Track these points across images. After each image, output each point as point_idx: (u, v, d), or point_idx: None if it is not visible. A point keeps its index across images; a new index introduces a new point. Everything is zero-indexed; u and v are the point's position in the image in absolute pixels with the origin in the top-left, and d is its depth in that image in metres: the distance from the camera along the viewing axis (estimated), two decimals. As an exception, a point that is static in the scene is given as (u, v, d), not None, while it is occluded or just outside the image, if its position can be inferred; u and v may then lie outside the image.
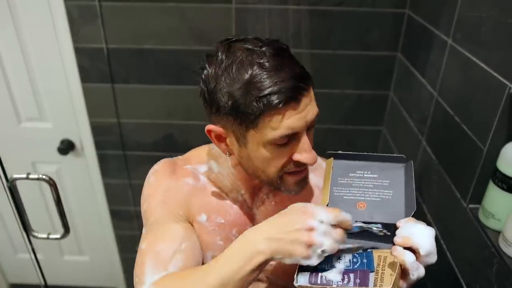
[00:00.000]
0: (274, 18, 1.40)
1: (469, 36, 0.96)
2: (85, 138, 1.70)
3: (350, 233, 0.69)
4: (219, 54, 0.68)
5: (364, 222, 0.67)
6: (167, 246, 0.72)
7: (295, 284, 0.64)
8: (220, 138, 0.75)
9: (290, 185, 0.76)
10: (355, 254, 0.66)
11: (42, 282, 1.09)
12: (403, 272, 0.60)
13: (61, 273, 2.16)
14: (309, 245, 0.59)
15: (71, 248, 2.08)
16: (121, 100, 1.60)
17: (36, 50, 1.54)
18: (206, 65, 0.70)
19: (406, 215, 0.66)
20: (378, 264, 0.63)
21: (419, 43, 1.28)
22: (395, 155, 0.73)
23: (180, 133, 1.66)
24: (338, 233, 0.61)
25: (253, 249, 0.60)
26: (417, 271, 0.59)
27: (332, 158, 0.76)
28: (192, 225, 0.82)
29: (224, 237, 0.84)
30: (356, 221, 0.66)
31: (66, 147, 1.72)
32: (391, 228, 0.65)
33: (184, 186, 0.82)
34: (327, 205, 0.71)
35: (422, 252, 0.59)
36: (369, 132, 1.64)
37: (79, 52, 1.50)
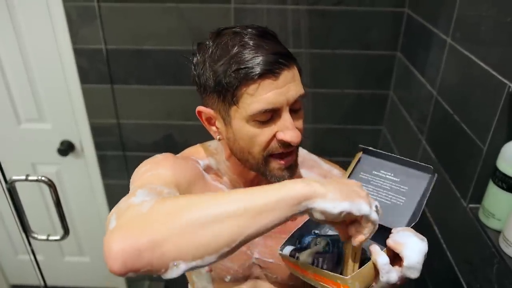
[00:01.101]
0: (273, 18, 1.40)
1: (469, 35, 0.96)
2: (85, 139, 1.70)
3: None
4: (209, 41, 0.72)
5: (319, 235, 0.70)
6: (163, 188, 0.63)
7: (278, 251, 0.70)
8: (210, 121, 0.76)
9: (275, 170, 0.73)
10: (329, 242, 0.69)
11: (42, 283, 1.08)
12: (377, 272, 0.61)
13: (61, 274, 2.16)
14: (369, 198, 0.57)
15: (72, 249, 2.08)
16: (121, 101, 1.60)
17: (35, 51, 1.54)
18: (196, 52, 0.73)
19: (408, 225, 0.67)
20: (351, 257, 0.64)
21: (418, 42, 1.28)
22: (423, 164, 0.72)
23: (180, 133, 1.66)
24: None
25: (308, 189, 0.53)
26: (387, 275, 0.60)
27: (361, 152, 0.77)
28: None
29: None
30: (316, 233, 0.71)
31: (66, 148, 1.71)
32: (387, 232, 0.65)
33: (193, 169, 0.78)
34: None
35: (405, 263, 0.60)
36: (369, 132, 1.63)
37: (78, 53, 1.50)
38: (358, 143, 1.64)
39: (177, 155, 0.87)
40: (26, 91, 1.62)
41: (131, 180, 0.71)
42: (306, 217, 0.74)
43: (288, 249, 0.70)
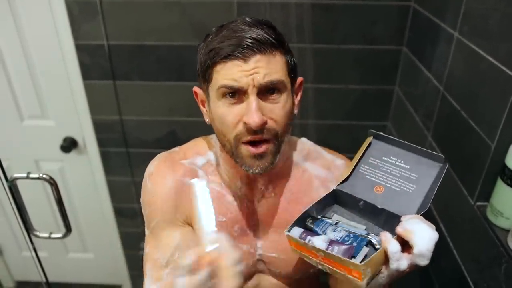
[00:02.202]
0: (276, 12, 1.38)
1: (476, 29, 0.94)
2: (87, 136, 1.69)
3: (358, 211, 0.72)
4: (212, 30, 0.75)
5: (350, 232, 0.68)
6: (162, 255, 0.79)
7: (285, 232, 0.69)
8: (203, 103, 0.81)
9: (245, 158, 0.73)
10: (350, 235, 0.67)
11: (44, 280, 1.08)
12: (387, 259, 0.61)
13: (65, 271, 2.17)
14: None
15: (76, 245, 2.08)
16: (123, 97, 1.59)
17: (37, 47, 1.53)
18: (201, 42, 0.76)
19: (417, 213, 0.66)
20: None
21: (424, 36, 1.25)
22: (434, 152, 0.71)
23: (183, 129, 1.65)
24: None
25: None
26: (397, 262, 0.60)
27: (371, 137, 0.76)
28: (192, 226, 0.82)
29: (226, 234, 0.83)
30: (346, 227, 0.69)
31: (69, 144, 1.71)
32: (397, 220, 0.65)
33: (182, 187, 0.82)
34: (346, 178, 0.74)
35: (415, 250, 0.59)
36: (374, 128, 1.57)
37: (80, 49, 1.49)
38: (363, 139, 1.63)
39: (177, 152, 0.87)
40: (29, 88, 1.62)
41: (145, 219, 0.85)
42: (313, 200, 0.74)
43: (297, 231, 0.69)
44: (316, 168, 0.89)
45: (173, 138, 1.66)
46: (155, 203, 0.82)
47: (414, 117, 1.31)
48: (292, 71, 0.75)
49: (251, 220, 0.85)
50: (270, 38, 0.69)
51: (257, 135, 0.70)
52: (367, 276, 0.59)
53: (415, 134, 1.30)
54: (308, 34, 1.41)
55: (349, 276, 0.60)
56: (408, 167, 0.72)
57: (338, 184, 0.74)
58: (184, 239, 0.80)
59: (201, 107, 0.82)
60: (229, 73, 0.68)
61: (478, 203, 0.91)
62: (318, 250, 0.63)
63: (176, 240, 0.79)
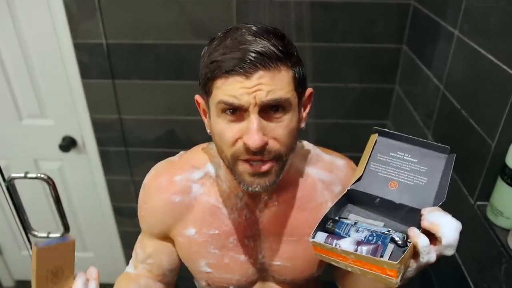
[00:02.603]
0: (275, 10, 1.37)
1: (477, 27, 0.93)
2: (86, 135, 1.69)
3: (374, 208, 0.72)
4: (218, 35, 0.70)
5: (377, 232, 0.67)
6: (140, 253, 0.90)
7: (310, 239, 0.66)
8: (204, 113, 0.77)
9: (243, 175, 0.70)
10: (373, 234, 0.67)
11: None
12: (415, 253, 0.61)
13: (65, 270, 2.16)
14: None
15: (76, 244, 2.07)
16: (122, 96, 1.58)
17: (35, 46, 1.53)
18: (206, 47, 0.72)
19: (434, 204, 0.66)
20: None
21: (425, 35, 1.25)
22: (439, 144, 0.72)
23: (182, 129, 1.64)
24: None
25: None
26: (428, 255, 0.60)
27: (376, 134, 0.77)
28: (173, 239, 0.87)
29: (219, 246, 0.83)
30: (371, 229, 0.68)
31: (68, 144, 1.70)
32: (416, 213, 0.65)
33: (167, 206, 0.83)
34: (360, 178, 0.73)
35: (444, 242, 0.59)
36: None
37: (79, 48, 1.48)
38: (362, 138, 1.62)
39: (176, 161, 0.86)
40: (27, 87, 1.61)
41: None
42: (318, 204, 0.73)
43: (321, 236, 0.68)
44: (318, 172, 0.86)
45: (172, 137, 1.66)
46: (140, 213, 0.89)
47: (414, 116, 1.31)
48: (300, 85, 0.69)
49: (250, 230, 0.83)
50: (276, 51, 0.64)
51: (257, 156, 0.66)
52: (401, 273, 0.59)
53: (415, 133, 1.29)
54: (307, 33, 1.41)
55: (383, 275, 0.60)
56: (416, 160, 0.72)
57: (352, 184, 0.74)
58: (156, 251, 0.88)
59: (203, 117, 0.78)
60: (230, 89, 0.64)
61: (478, 203, 0.90)
62: (348, 253, 0.62)
63: (150, 249, 0.88)
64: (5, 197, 0.95)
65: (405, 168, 0.72)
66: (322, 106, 1.54)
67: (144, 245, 0.89)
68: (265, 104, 0.64)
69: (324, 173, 0.86)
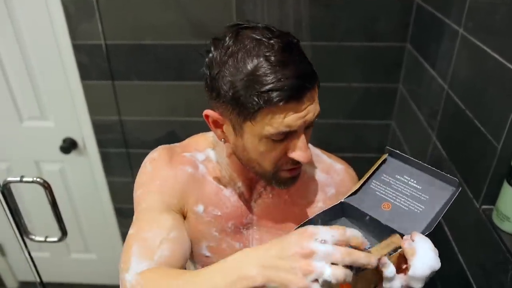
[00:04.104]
0: (273, 8, 1.34)
1: (482, 25, 0.90)
2: (87, 136, 1.68)
3: (365, 226, 0.70)
4: (227, 39, 0.66)
5: None
6: (155, 234, 0.70)
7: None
8: (217, 124, 0.74)
9: (284, 180, 0.75)
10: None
11: (38, 280, 1.06)
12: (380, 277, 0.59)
13: (68, 271, 2.16)
14: (306, 273, 0.49)
15: (78, 246, 2.08)
16: (122, 97, 1.57)
17: (34, 47, 1.52)
18: (212, 49, 0.68)
19: (422, 233, 0.63)
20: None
21: (429, 33, 1.22)
22: (449, 176, 0.69)
23: (183, 130, 1.62)
24: (347, 253, 0.51)
25: (240, 273, 0.53)
26: (390, 284, 0.57)
27: (387, 154, 0.75)
28: (185, 215, 0.80)
29: (219, 229, 0.82)
30: None
31: (68, 145, 1.70)
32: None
33: (182, 175, 0.79)
34: (354, 192, 0.71)
35: (410, 272, 0.57)
36: (378, 127, 1.58)
37: (78, 49, 1.47)
38: (366, 139, 1.61)
39: (177, 146, 0.85)
40: (27, 89, 1.61)
41: (134, 199, 0.78)
42: (309, 203, 0.72)
43: None
44: (315, 172, 0.88)
45: (173, 138, 1.64)
46: (153, 184, 0.77)
47: (418, 116, 1.28)
48: None
49: (245, 219, 0.84)
50: (312, 69, 0.66)
51: (298, 164, 0.72)
52: None
53: (419, 134, 1.27)
54: (307, 31, 1.38)
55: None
56: (420, 187, 0.70)
57: (346, 197, 0.72)
58: (178, 223, 0.75)
59: (213, 127, 0.75)
60: (283, 119, 0.64)
61: (484, 207, 0.87)
62: None
63: (170, 221, 0.74)
64: (1, 201, 0.94)
65: (405, 192, 0.70)
66: (324, 106, 1.49)
67: (157, 225, 0.72)
68: (311, 123, 0.68)
69: (321, 174, 0.88)
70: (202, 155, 0.83)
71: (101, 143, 1.69)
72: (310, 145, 0.90)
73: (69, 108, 1.62)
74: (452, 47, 1.04)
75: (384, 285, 0.58)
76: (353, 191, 0.72)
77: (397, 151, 0.74)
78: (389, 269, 0.56)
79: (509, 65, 0.78)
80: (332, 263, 0.50)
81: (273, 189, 0.84)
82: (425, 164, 0.71)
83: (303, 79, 0.63)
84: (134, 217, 0.76)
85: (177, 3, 1.36)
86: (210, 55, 0.68)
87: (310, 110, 0.66)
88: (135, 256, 0.66)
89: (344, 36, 1.39)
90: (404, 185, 0.71)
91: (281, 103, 0.62)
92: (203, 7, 1.36)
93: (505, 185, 0.78)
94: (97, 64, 1.49)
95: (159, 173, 0.78)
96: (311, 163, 0.88)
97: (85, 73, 1.52)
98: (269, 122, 0.64)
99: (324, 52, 1.42)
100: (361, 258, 0.52)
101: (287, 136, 0.67)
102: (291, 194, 0.85)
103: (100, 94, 1.56)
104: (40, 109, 1.66)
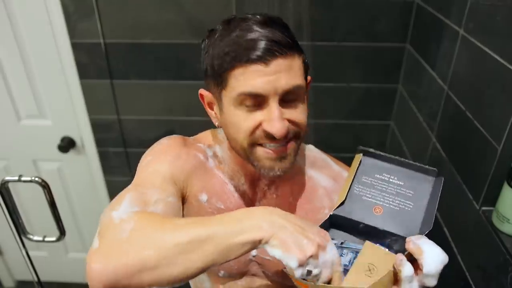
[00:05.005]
0: (274, 8, 1.34)
1: (483, 26, 0.90)
2: (85, 135, 1.67)
3: (357, 234, 0.69)
4: (218, 27, 0.70)
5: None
6: (153, 192, 0.66)
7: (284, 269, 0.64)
8: (210, 106, 0.76)
9: (263, 160, 0.70)
10: (357, 255, 0.64)
11: (36, 279, 1.06)
12: (397, 281, 0.59)
13: (66, 270, 2.16)
14: (310, 256, 0.54)
15: (76, 245, 2.07)
16: (121, 96, 1.56)
17: (33, 46, 1.51)
18: (206, 38, 0.72)
19: (421, 232, 0.63)
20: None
21: (429, 33, 1.21)
22: (427, 166, 0.69)
23: (182, 129, 1.62)
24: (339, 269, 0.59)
25: (252, 222, 0.55)
26: (409, 285, 0.57)
27: (361, 154, 0.74)
28: (186, 198, 0.77)
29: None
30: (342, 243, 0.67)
31: (67, 144, 1.69)
32: (400, 241, 0.63)
33: (194, 158, 0.78)
34: (343, 202, 0.70)
35: (424, 270, 0.56)
36: (377, 127, 1.58)
37: (76, 48, 1.46)
38: (365, 139, 1.60)
39: (189, 138, 0.85)
40: (25, 88, 1.60)
41: (137, 168, 0.75)
42: (315, 209, 0.73)
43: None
44: (322, 177, 0.86)
45: (171, 138, 1.64)
46: (165, 156, 0.74)
47: (418, 117, 1.28)
48: (306, 71, 0.72)
49: None
50: (289, 41, 0.66)
51: (275, 140, 0.68)
52: None
53: (418, 135, 1.27)
54: (307, 31, 1.38)
55: None
56: (402, 183, 0.69)
57: (335, 209, 0.70)
58: (177, 195, 0.71)
59: (208, 109, 0.77)
60: (250, 79, 0.64)
61: (484, 208, 0.87)
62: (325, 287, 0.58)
63: (171, 189, 0.70)
64: (-1, 200, 0.94)
65: (390, 191, 0.69)
66: (323, 107, 1.51)
67: (157, 187, 0.68)
68: (284, 92, 0.66)
69: (328, 180, 0.86)
70: (210, 151, 0.83)
71: (100, 142, 1.68)
72: (318, 150, 0.90)
73: (67, 106, 1.62)
74: (452, 48, 1.04)
75: (403, 287, 0.57)
76: (340, 202, 0.70)
77: (370, 149, 0.73)
78: (407, 267, 0.57)
79: (509, 66, 0.77)
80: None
81: (277, 189, 0.83)
82: (400, 159, 0.70)
83: (274, 43, 0.64)
84: (135, 177, 0.72)
85: (176, 2, 1.36)
86: (203, 43, 0.72)
87: (282, 77, 0.65)
88: (127, 201, 0.62)
89: (344, 36, 1.39)
90: (386, 184, 0.70)
91: (244, 61, 0.64)
92: (203, 6, 1.36)
93: (505, 186, 0.78)
94: (96, 62, 1.48)
95: (173, 150, 0.76)
96: (318, 169, 0.86)
97: (83, 71, 1.51)
98: (238, 84, 0.65)
99: (324, 52, 1.41)
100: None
101: (260, 105, 0.67)
102: (295, 196, 0.84)
103: (98, 93, 1.55)
104: (38, 107, 1.65)
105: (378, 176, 0.71)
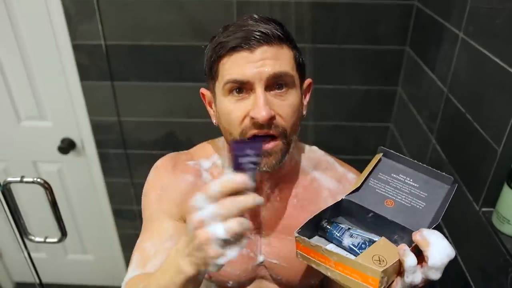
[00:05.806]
0: (276, 11, 1.35)
1: (482, 29, 0.91)
2: (85, 137, 1.67)
3: (365, 224, 0.70)
4: (219, 30, 0.73)
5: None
6: (152, 244, 0.75)
7: (295, 233, 0.66)
8: (210, 104, 0.79)
9: None
10: (366, 242, 0.66)
11: (38, 281, 1.06)
12: (400, 271, 0.60)
13: (65, 272, 2.15)
14: (208, 242, 0.50)
15: (75, 247, 2.06)
16: (121, 98, 1.56)
17: (34, 48, 1.51)
18: (208, 43, 0.75)
19: (428, 227, 0.64)
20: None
21: (428, 36, 1.22)
22: (444, 174, 0.70)
23: (182, 131, 1.62)
24: (231, 204, 0.50)
25: (176, 269, 0.57)
26: (412, 275, 0.59)
27: (381, 154, 0.76)
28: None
29: None
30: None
31: (67, 146, 1.69)
32: (407, 233, 0.64)
33: (182, 183, 0.82)
34: (356, 189, 0.72)
35: (429, 263, 0.57)
36: (377, 129, 1.58)
37: (77, 49, 1.46)
38: (365, 141, 1.61)
39: (183, 154, 0.86)
40: (26, 89, 1.60)
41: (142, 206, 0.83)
42: (324, 206, 0.72)
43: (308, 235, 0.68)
44: (326, 179, 0.86)
45: (172, 140, 1.64)
46: (154, 192, 0.81)
47: (418, 119, 1.28)
48: (299, 67, 0.73)
49: (254, 223, 0.83)
50: (278, 32, 0.68)
51: (264, 129, 0.68)
52: (383, 285, 0.57)
53: (418, 137, 1.27)
54: (308, 34, 1.39)
55: (363, 283, 0.57)
56: (417, 185, 0.71)
57: (347, 194, 0.72)
58: (177, 232, 0.77)
59: (208, 108, 0.80)
60: (235, 65, 0.67)
61: (484, 209, 0.88)
62: (332, 253, 0.60)
63: (170, 231, 0.77)
64: (1, 202, 0.94)
65: (404, 190, 0.71)
66: (324, 109, 1.52)
67: (156, 234, 0.77)
68: (270, 77, 0.67)
69: (333, 182, 0.87)
70: (208, 162, 0.84)
71: (100, 144, 1.68)
72: (322, 152, 0.90)
73: (67, 108, 1.62)
74: (452, 51, 1.04)
75: (406, 279, 0.59)
76: (353, 188, 0.72)
77: (391, 151, 0.75)
78: (410, 257, 0.57)
79: (509, 69, 0.78)
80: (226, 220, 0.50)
81: (281, 191, 0.83)
82: (419, 163, 0.72)
83: (262, 33, 0.66)
84: (142, 226, 0.82)
85: (177, 4, 1.36)
86: (206, 48, 0.75)
87: (268, 64, 0.66)
88: (133, 265, 0.74)
89: (344, 38, 1.40)
90: (402, 183, 0.72)
91: (229, 49, 0.67)
92: (203, 8, 1.36)
93: (505, 187, 0.79)
94: (97, 64, 1.49)
95: (160, 181, 0.82)
96: (322, 170, 0.87)
97: (84, 73, 1.51)
98: (225, 72, 0.68)
99: (325, 54, 1.42)
100: (247, 202, 0.50)
101: (248, 93, 0.68)
102: (299, 199, 0.84)
103: (99, 94, 1.55)
104: (39, 109, 1.65)
105: (394, 175, 0.73)
